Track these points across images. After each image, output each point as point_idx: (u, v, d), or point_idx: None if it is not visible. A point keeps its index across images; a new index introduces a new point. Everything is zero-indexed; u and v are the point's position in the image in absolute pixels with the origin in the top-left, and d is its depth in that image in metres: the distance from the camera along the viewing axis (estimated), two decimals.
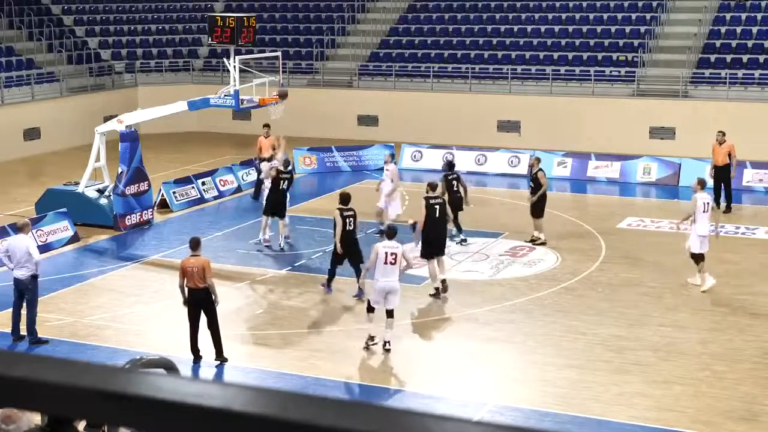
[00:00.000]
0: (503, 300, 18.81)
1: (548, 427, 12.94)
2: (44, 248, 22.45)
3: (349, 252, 18.76)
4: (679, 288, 19.50)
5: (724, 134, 26.51)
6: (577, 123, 35.08)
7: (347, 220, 18.66)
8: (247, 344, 16.94)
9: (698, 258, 19.19)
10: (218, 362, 15.52)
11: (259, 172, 27.03)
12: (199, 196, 27.62)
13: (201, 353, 15.69)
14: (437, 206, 19.08)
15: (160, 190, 26.64)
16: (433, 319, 17.85)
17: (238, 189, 29.02)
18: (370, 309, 16.21)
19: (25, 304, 16.59)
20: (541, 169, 22.91)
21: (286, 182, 21.96)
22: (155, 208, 25.87)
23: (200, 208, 27.17)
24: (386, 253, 15.88)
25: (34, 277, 16.56)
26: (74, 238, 23.31)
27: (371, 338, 16.13)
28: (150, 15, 45.09)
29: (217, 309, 15.53)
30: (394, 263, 15.92)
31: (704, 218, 19.10)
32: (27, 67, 38.08)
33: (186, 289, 15.43)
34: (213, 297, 15.41)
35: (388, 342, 16.00)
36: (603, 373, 15.10)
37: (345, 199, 19.06)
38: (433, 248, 18.95)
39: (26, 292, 16.52)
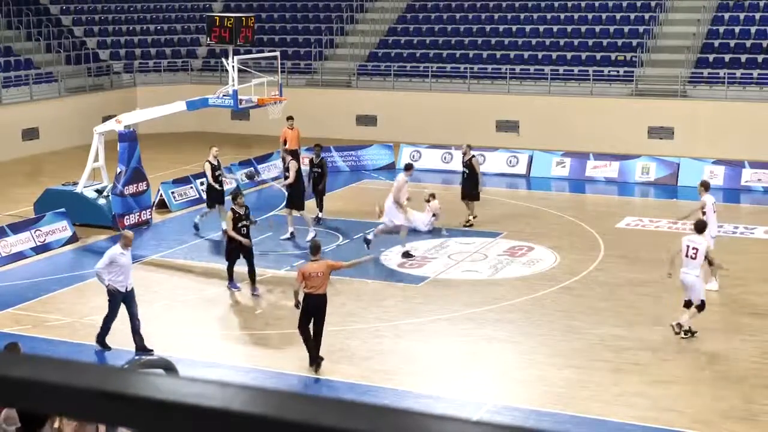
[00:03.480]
0: (502, 300, 18.82)
1: (547, 427, 12.95)
2: (43, 248, 22.47)
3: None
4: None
5: None
6: (576, 123, 35.08)
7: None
8: (245, 344, 16.95)
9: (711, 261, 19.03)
10: (315, 366, 15.33)
11: (284, 160, 27.73)
12: (197, 196, 27.60)
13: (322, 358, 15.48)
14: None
15: (159, 190, 26.63)
16: (431, 318, 17.86)
17: (237, 189, 28.99)
18: (701, 307, 16.54)
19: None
20: (474, 156, 24.70)
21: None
22: (154, 208, 25.87)
23: (199, 208, 27.11)
24: (687, 246, 16.53)
25: (107, 290, 16.14)
26: (73, 239, 23.30)
27: (680, 326, 16.49)
28: (148, 15, 45.09)
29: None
30: (695, 258, 16.48)
31: (714, 219, 19.53)
32: (25, 67, 38.08)
33: (301, 294, 15.18)
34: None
35: (686, 330, 16.48)
36: (602, 373, 15.11)
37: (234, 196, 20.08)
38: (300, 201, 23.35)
39: None
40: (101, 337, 16.36)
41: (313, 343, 15.30)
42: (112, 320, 16.23)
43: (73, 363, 1.52)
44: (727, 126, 33.23)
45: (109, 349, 16.32)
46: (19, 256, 21.98)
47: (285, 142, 28.40)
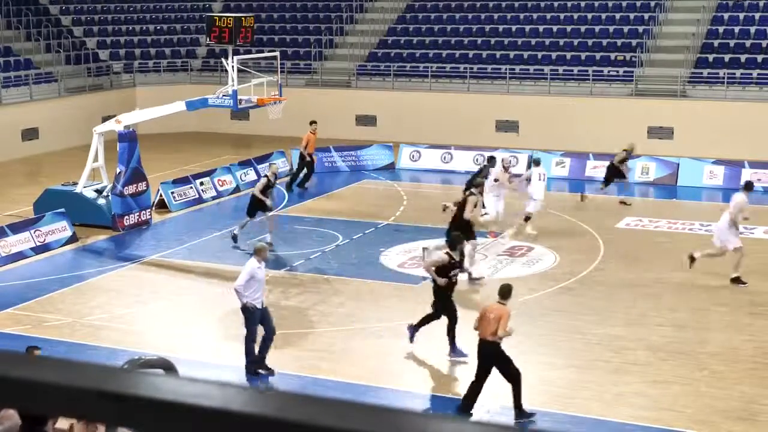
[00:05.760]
0: None
1: (547, 427, 12.95)
2: (42, 248, 22.47)
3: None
4: (678, 288, 19.50)
5: None
6: (575, 123, 35.09)
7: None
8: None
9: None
10: (526, 419, 13.44)
11: (302, 160, 28.82)
12: (197, 196, 27.61)
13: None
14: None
15: (159, 190, 26.63)
16: None
17: (237, 189, 29.03)
18: None
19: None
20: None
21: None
22: (154, 208, 25.87)
23: (198, 209, 27.17)
24: None
25: (244, 307, 15.05)
26: (72, 239, 23.30)
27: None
28: (148, 15, 45.08)
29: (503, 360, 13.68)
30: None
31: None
32: (25, 67, 38.06)
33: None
34: (499, 343, 13.58)
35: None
36: (602, 373, 15.10)
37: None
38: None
39: None
40: (251, 364, 15.17)
41: (478, 392, 13.62)
42: (254, 341, 15.08)
43: (72, 363, 1.52)
44: (726, 126, 33.23)
45: (271, 371, 15.21)
46: (19, 256, 21.98)
47: (306, 146, 28.68)
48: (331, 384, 14.83)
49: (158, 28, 44.53)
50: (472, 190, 20.19)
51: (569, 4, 40.16)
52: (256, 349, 15.15)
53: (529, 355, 16.00)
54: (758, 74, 34.74)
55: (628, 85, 35.99)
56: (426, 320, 16.02)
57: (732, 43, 36.39)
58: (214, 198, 28.10)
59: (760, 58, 35.28)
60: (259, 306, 15.01)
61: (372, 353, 16.12)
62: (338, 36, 42.31)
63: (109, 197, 24.62)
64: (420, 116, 37.25)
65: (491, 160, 24.79)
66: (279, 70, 26.75)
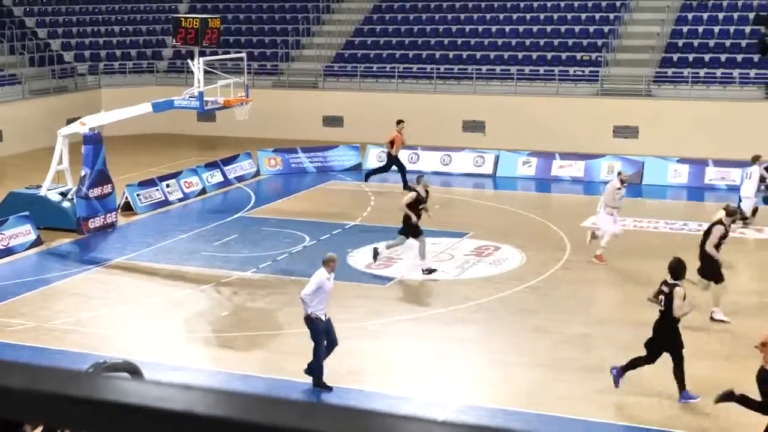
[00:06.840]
0: (468, 300, 18.85)
1: (515, 427, 12.99)
2: (6, 252, 22.27)
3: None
4: (645, 285, 19.60)
5: None
6: (542, 123, 35.23)
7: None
8: (211, 347, 16.88)
9: None
10: None
11: (391, 158, 28.81)
12: (163, 198, 27.47)
13: None
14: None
15: (124, 192, 26.47)
16: (397, 319, 17.86)
17: (203, 191, 28.91)
18: None
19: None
20: None
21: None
22: (119, 210, 25.71)
23: (165, 211, 27.03)
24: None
25: (308, 317, 14.65)
26: (37, 242, 23.10)
27: None
28: (113, 16, 44.79)
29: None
30: None
31: None
32: None
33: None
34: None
35: None
36: (569, 372, 15.16)
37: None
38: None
39: None
40: (319, 379, 14.74)
41: None
42: (323, 352, 14.66)
43: (36, 367, 1.50)
44: (691, 125, 33.51)
45: (331, 389, 14.71)
46: None
47: (392, 145, 28.70)
48: (298, 386, 14.80)
49: (124, 29, 44.26)
50: (722, 219, 17.53)
51: (535, 4, 40.35)
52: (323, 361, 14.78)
53: (497, 354, 16.06)
54: (722, 73, 35.05)
55: (594, 85, 36.21)
56: (636, 363, 14.44)
57: (696, 42, 36.71)
58: (180, 200, 27.96)
59: (723, 57, 35.61)
60: (323, 318, 14.69)
61: (338, 354, 16.09)
62: (305, 37, 42.26)
63: (74, 200, 24.44)
64: (387, 117, 37.18)
65: (757, 160, 22.97)
66: (245, 71, 26.68)
